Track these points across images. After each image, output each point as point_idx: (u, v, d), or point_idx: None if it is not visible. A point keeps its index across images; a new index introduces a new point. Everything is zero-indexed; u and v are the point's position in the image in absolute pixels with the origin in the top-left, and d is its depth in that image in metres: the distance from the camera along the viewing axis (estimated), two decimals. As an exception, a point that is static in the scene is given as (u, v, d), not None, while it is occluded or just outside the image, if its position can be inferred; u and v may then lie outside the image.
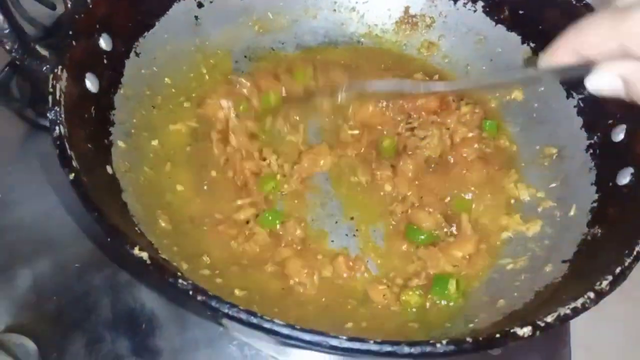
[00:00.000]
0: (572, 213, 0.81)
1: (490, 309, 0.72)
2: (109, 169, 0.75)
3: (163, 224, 0.77)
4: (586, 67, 0.57)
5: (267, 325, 0.54)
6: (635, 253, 0.64)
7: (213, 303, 0.55)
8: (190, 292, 0.56)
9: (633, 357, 0.98)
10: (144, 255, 0.58)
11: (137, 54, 0.89)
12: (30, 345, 0.80)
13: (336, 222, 0.86)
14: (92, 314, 0.83)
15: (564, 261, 0.75)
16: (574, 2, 0.89)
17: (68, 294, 0.84)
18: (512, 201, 0.88)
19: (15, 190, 0.92)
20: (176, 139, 0.90)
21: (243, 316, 0.55)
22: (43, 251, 0.87)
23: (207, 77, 0.98)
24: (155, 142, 0.87)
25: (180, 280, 0.56)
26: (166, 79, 0.94)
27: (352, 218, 0.86)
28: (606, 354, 0.96)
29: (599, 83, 0.56)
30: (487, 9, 1.01)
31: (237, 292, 0.72)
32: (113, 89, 0.84)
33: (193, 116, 0.93)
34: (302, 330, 0.54)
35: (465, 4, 1.02)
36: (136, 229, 0.70)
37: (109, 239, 0.59)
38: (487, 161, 0.90)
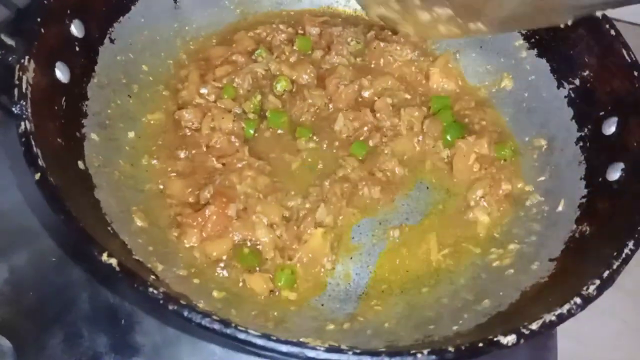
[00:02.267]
0: (560, 208, 0.80)
1: (475, 309, 0.70)
2: (80, 165, 0.72)
3: (139, 222, 0.74)
4: None
5: (241, 336, 0.52)
6: (624, 255, 0.62)
7: (185, 313, 0.53)
8: (161, 301, 0.53)
9: (620, 349, 0.97)
10: (113, 261, 0.55)
11: (111, 40, 0.86)
12: (5, 342, 0.77)
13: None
14: (70, 309, 0.79)
15: (551, 259, 0.73)
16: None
17: (45, 288, 0.81)
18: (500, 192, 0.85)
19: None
20: (154, 130, 0.86)
21: (217, 327, 0.53)
22: (19, 243, 0.83)
23: (186, 62, 0.94)
24: (131, 134, 0.84)
25: (150, 289, 0.54)
26: (143, 66, 0.90)
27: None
28: (593, 345, 0.95)
29: None
30: (479, -6, 0.97)
31: (215, 294, 0.70)
32: (86, 78, 0.80)
33: (171, 104, 0.89)
34: (278, 341, 0.52)
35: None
36: (109, 228, 0.68)
37: (77, 244, 0.56)
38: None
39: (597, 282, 0.60)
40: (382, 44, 0.96)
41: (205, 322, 0.53)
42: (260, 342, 0.52)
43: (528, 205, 0.84)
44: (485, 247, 0.81)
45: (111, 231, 0.67)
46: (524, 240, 0.79)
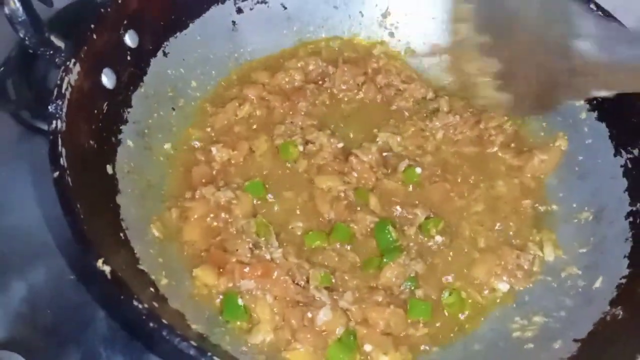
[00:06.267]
0: (597, 285, 0.73)
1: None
2: (109, 169, 0.74)
3: (156, 233, 0.74)
4: None
5: None
6: (649, 350, 0.56)
7: (164, 332, 0.52)
8: (144, 317, 0.52)
9: None
10: (106, 268, 0.55)
11: (165, 54, 0.88)
12: None
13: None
14: (87, 328, 0.78)
15: (575, 340, 0.67)
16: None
17: (63, 307, 0.79)
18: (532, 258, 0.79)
19: (9, 196, 0.86)
20: (191, 146, 0.87)
21: (193, 352, 0.51)
22: (38, 260, 0.82)
23: (236, 84, 0.95)
24: (168, 146, 0.85)
25: (135, 302, 0.53)
26: (192, 81, 0.92)
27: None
28: None
29: None
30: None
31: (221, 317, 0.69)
32: (132, 87, 0.82)
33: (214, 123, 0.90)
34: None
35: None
36: (121, 234, 0.68)
37: (76, 246, 0.57)
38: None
39: (614, 375, 0.54)
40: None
41: (182, 345, 0.51)
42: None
43: (563, 277, 0.77)
44: (509, 314, 0.75)
45: (122, 237, 0.68)
46: (552, 314, 0.73)
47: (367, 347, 0.71)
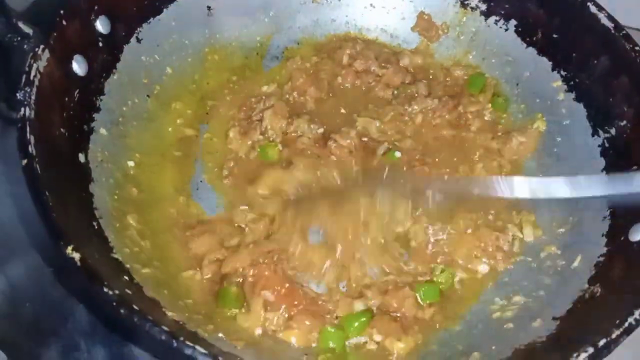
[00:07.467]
0: (576, 264, 0.73)
1: (461, 362, 0.65)
2: (81, 157, 0.72)
3: (132, 222, 0.73)
4: None
5: (187, 351, 0.49)
6: (626, 325, 0.56)
7: (135, 319, 0.51)
8: (114, 303, 0.51)
9: None
10: (76, 255, 0.54)
11: (138, 40, 0.86)
12: (1, 355, 0.73)
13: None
14: (67, 321, 0.76)
15: (554, 318, 0.67)
16: (613, 31, 0.81)
17: (43, 300, 0.78)
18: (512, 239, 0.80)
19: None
20: (169, 132, 0.86)
21: (164, 337, 0.50)
22: (17, 254, 0.80)
23: (213, 70, 0.94)
24: (145, 134, 0.84)
25: (105, 289, 0.52)
26: (168, 68, 0.90)
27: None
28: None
29: None
30: (520, 29, 0.92)
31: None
32: (105, 74, 0.81)
33: (192, 109, 0.89)
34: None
35: (497, 22, 0.95)
36: (94, 223, 0.67)
37: (47, 234, 0.56)
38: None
39: (591, 350, 0.54)
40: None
41: (153, 331, 0.50)
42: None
43: (542, 257, 0.77)
44: (489, 295, 0.76)
45: (95, 226, 0.67)
46: (532, 294, 0.73)
47: (377, 337, 0.70)
